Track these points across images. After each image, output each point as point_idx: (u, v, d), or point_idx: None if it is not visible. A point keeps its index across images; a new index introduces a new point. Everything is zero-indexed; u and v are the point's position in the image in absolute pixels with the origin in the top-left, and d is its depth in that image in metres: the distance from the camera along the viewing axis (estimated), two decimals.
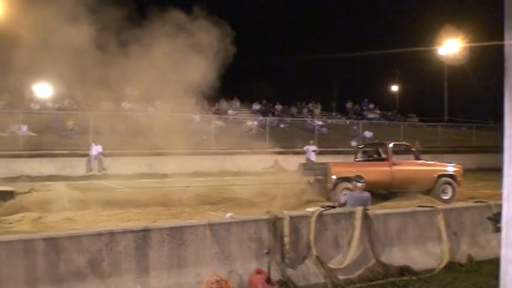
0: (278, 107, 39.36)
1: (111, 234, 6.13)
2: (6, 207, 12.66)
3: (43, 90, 31.65)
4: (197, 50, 17.48)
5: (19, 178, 21.80)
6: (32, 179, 21.87)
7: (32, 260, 5.65)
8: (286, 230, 7.12)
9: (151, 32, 16.99)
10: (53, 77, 26.19)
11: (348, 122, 38.62)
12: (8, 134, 26.37)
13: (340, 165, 16.75)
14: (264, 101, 39.04)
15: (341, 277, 7.29)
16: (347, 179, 14.34)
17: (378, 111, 43.41)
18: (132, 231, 6.25)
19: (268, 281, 6.53)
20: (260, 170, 23.27)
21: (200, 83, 19.19)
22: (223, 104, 35.65)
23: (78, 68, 17.64)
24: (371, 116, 41.41)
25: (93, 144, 24.59)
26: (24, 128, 26.75)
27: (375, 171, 15.89)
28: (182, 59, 17.61)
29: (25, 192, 13.97)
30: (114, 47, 17.24)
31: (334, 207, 9.03)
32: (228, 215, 7.13)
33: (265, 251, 6.84)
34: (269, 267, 6.66)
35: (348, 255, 7.49)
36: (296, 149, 27.79)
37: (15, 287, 5.51)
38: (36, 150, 24.46)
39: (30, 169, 23.16)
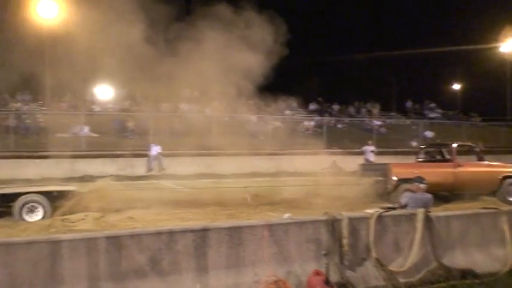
0: (335, 106, 38.97)
1: (171, 233, 6.21)
2: (69, 207, 12.98)
3: (104, 92, 32.47)
4: (253, 48, 17.52)
5: (81, 178, 22.40)
6: (94, 179, 22.43)
7: (94, 257, 5.78)
8: (345, 232, 7.04)
9: (206, 31, 17.14)
10: (114, 79, 26.85)
11: (407, 122, 37.86)
12: (71, 135, 27.10)
13: (401, 166, 16.45)
14: (320, 99, 38.74)
15: (402, 280, 7.17)
16: (408, 181, 14.04)
17: (439, 111, 42.36)
18: (191, 231, 6.31)
19: (327, 282, 6.48)
20: (317, 171, 23.07)
21: (256, 83, 19.25)
22: (280, 104, 35.57)
23: (138, 69, 17.99)
24: (432, 115, 40.44)
25: (152, 144, 24.98)
26: (86, 129, 27.44)
27: (438, 173, 15.53)
28: (238, 58, 17.69)
29: (88, 192, 14.27)
30: (173, 48, 17.48)
31: (394, 208, 8.86)
32: (286, 215, 7.13)
33: (323, 252, 6.78)
34: (327, 269, 6.60)
35: (408, 258, 7.35)
36: (354, 150, 27.46)
37: (78, 284, 5.64)
38: (97, 150, 25.08)
39: (93, 169, 23.70)
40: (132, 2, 16.77)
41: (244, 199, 15.42)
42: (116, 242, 5.91)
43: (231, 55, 17.79)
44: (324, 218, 7.11)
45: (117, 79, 26.01)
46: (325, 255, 6.73)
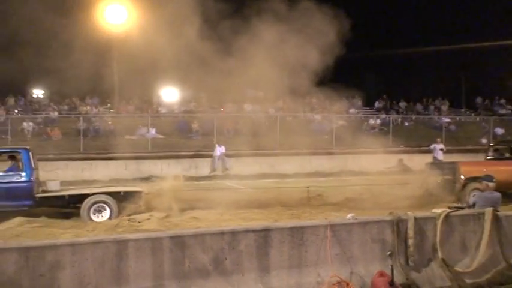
0: (402, 104, 38.13)
1: (234, 233, 6.22)
2: (135, 207, 13.26)
3: (170, 94, 33.10)
4: (315, 46, 17.42)
5: (148, 179, 22.88)
6: (160, 179, 22.86)
7: (159, 257, 5.85)
8: (411, 232, 6.89)
9: (267, 29, 17.15)
10: (179, 81, 27.31)
11: (477, 119, 36.69)
12: (138, 137, 27.75)
13: (470, 165, 15.95)
14: (385, 96, 38.02)
15: (468, 281, 6.96)
16: (477, 179, 13.58)
17: (510, 107, 40.80)
18: (253, 231, 6.31)
19: (392, 283, 6.35)
20: (383, 170, 22.67)
21: (319, 81, 19.12)
22: (345, 102, 35.19)
23: (202, 71, 18.20)
24: (502, 111, 39.00)
25: (216, 145, 25.22)
26: (153, 130, 28.01)
27: (507, 171, 14.92)
28: (301, 55, 17.62)
29: (154, 192, 14.54)
30: (236, 49, 17.60)
31: (462, 208, 8.59)
32: (350, 215, 7.00)
33: (388, 253, 6.66)
34: (392, 270, 6.47)
35: (476, 258, 7.13)
36: (422, 148, 26.82)
37: (143, 283, 5.73)
38: (163, 152, 25.55)
39: (159, 170, 24.17)
40: (196, 6, 17.02)
41: (304, 199, 15.30)
42: (179, 241, 5.98)
43: (294, 53, 17.75)
44: (389, 218, 6.98)
45: (183, 81, 26.48)
46: (390, 255, 6.61)
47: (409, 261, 6.84)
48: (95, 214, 12.86)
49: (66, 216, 13.37)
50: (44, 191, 13.80)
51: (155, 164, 24.54)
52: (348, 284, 6.26)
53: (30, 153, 13.34)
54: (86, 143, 26.16)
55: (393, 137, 29.03)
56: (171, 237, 6.02)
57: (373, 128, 31.66)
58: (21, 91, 33.98)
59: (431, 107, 38.03)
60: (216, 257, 6.08)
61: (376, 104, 37.26)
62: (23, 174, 12.91)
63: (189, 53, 17.58)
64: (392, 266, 6.51)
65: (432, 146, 25.93)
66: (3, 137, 25.83)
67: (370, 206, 13.94)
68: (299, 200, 14.98)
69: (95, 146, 25.91)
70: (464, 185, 14.79)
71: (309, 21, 17.50)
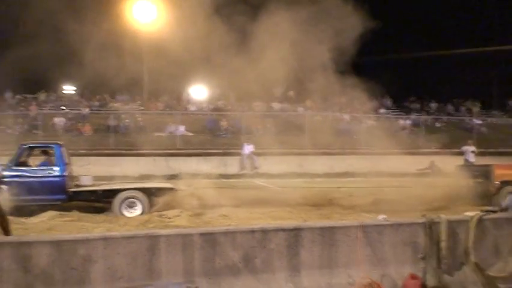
0: (433, 105, 37.69)
1: (264, 231, 6.22)
2: (166, 203, 13.35)
3: (199, 92, 33.28)
4: (346, 44, 17.33)
5: (177, 176, 23.02)
6: (189, 176, 22.98)
7: (190, 253, 5.89)
8: (443, 235, 6.80)
9: (296, 27, 17.11)
10: (208, 79, 27.43)
11: (510, 121, 36.07)
12: (167, 134, 27.94)
13: (504, 168, 15.70)
14: (413, 98, 37.64)
15: (501, 286, 6.86)
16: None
17: None
18: (283, 230, 6.30)
19: (423, 286, 6.31)
20: (414, 171, 22.43)
21: (349, 80, 19.00)
22: (375, 102, 34.92)
23: (231, 69, 18.24)
24: None
25: (245, 143, 25.22)
26: (182, 128, 28.17)
27: None
28: (330, 54, 17.55)
29: (183, 189, 14.62)
30: (265, 47, 17.59)
31: (494, 211, 8.46)
32: (381, 217, 6.95)
33: (420, 255, 6.60)
34: (424, 273, 6.43)
35: (509, 263, 7.03)
36: (453, 150, 26.45)
37: (174, 277, 5.77)
38: (192, 149, 25.67)
39: (188, 167, 24.28)
40: (226, 3, 17.07)
41: (334, 199, 15.21)
42: (210, 238, 6.01)
43: (323, 51, 17.69)
44: (421, 220, 6.91)
45: (211, 79, 26.59)
46: (422, 258, 6.56)
47: (441, 265, 6.75)
48: (126, 209, 13.01)
49: (98, 210, 13.54)
50: (77, 186, 14.02)
51: (184, 161, 24.65)
52: (379, 286, 6.22)
53: (63, 148, 13.54)
54: (116, 139, 26.44)
55: (424, 138, 28.70)
56: (202, 234, 6.06)
57: (403, 128, 31.36)
58: (52, 87, 34.54)
59: (463, 108, 37.55)
60: (246, 255, 6.09)
61: (407, 105, 36.92)
62: (56, 169, 13.11)
63: (217, 50, 17.66)
64: (424, 268, 6.46)
65: (463, 148, 25.57)
66: (35, 132, 26.24)
67: (401, 207, 13.81)
68: (328, 200, 14.89)
69: (125, 142, 26.15)
70: (499, 189, 14.57)
71: (338, 19, 17.40)
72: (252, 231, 6.22)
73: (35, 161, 14.14)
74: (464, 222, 7.12)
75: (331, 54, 17.92)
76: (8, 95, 31.95)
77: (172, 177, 22.18)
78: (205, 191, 14.76)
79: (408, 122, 32.34)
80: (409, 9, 38.34)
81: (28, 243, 5.55)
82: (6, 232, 5.82)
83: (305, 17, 17.36)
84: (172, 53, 17.73)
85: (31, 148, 13.85)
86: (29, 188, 12.55)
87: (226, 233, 6.14)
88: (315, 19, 17.53)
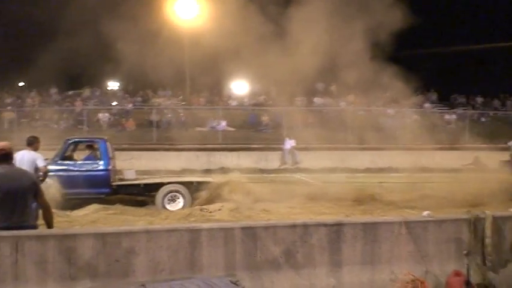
0: (479, 99, 36.90)
1: (305, 226, 6.19)
2: (207, 197, 13.46)
3: (240, 87, 33.40)
4: (388, 36, 17.13)
5: (218, 170, 23.17)
6: (230, 171, 23.11)
7: (231, 246, 5.90)
8: (488, 231, 6.63)
9: (336, 20, 16.98)
10: (250, 74, 27.49)
11: None
12: (208, 129, 28.19)
13: None
14: (456, 96, 36.90)
15: None
16: None
17: None
18: (325, 225, 6.26)
19: (468, 284, 6.18)
20: (459, 167, 22.02)
21: (392, 74, 18.77)
22: (419, 97, 34.41)
23: (272, 64, 18.23)
24: None
25: (286, 138, 25.21)
26: (223, 123, 28.35)
27: None
28: (373, 48, 17.37)
29: (224, 183, 14.69)
30: (306, 42, 17.52)
31: None
32: (425, 213, 6.83)
33: (464, 252, 6.46)
34: (468, 270, 6.30)
35: None
36: (498, 145, 25.86)
37: (215, 271, 5.79)
38: (233, 144, 25.78)
39: (229, 162, 24.44)
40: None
41: (376, 194, 15.04)
42: (251, 232, 6.00)
43: (366, 44, 17.52)
44: (466, 216, 6.76)
45: (253, 74, 26.63)
46: (466, 255, 6.43)
47: (486, 261, 6.60)
48: (169, 203, 13.16)
49: (140, 204, 13.75)
50: (120, 180, 14.26)
51: (225, 156, 24.81)
52: (422, 283, 6.12)
53: (107, 143, 13.78)
54: (158, 134, 26.78)
55: (469, 133, 28.15)
56: (243, 228, 6.06)
57: (448, 123, 30.83)
58: (96, 83, 35.20)
59: (509, 103, 36.64)
60: (287, 249, 6.06)
61: (452, 99, 36.25)
62: (101, 163, 13.37)
63: (258, 46, 17.66)
64: (468, 265, 6.33)
65: (509, 143, 24.97)
66: (80, 127, 26.80)
67: (445, 203, 13.61)
68: (371, 196, 14.75)
69: (167, 137, 26.46)
70: None
71: (382, 11, 17.20)
72: (293, 226, 6.20)
73: (79, 155, 14.45)
74: (510, 218, 6.94)
75: (375, 47, 17.76)
76: (54, 90, 32.69)
77: (213, 171, 22.35)
78: (245, 186, 14.82)
79: (453, 116, 31.75)
80: (456, 2, 37.59)
81: (72, 236, 5.63)
82: (49, 225, 5.93)
83: (348, 10, 17.22)
84: (214, 49, 17.84)
85: (76, 143, 14.14)
86: (74, 181, 12.80)
87: (267, 228, 6.13)
88: (358, 12, 17.39)
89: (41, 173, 8.80)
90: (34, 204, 5.94)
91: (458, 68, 38.32)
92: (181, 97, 33.16)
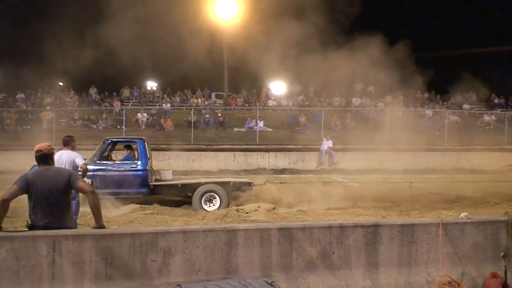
0: None
1: (342, 227, 6.19)
2: (245, 198, 13.51)
3: (278, 87, 33.44)
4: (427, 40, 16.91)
5: (256, 170, 23.25)
6: (267, 172, 23.18)
7: (267, 248, 5.93)
8: None
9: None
10: (288, 75, 27.51)
11: None
12: (246, 129, 28.30)
13: None
14: (494, 97, 36.12)
15: None
16: None
17: None
18: (362, 226, 6.25)
19: (505, 286, 6.11)
20: (498, 168, 21.61)
21: (430, 75, 18.56)
22: (458, 97, 33.90)
23: (311, 64, 18.23)
24: None
25: (324, 139, 25.13)
26: (261, 123, 28.40)
27: None
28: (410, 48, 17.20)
29: (261, 184, 14.74)
30: (343, 42, 17.47)
31: None
32: (463, 214, 6.76)
33: (502, 254, 6.39)
34: (505, 272, 6.22)
35: None
36: None
37: (251, 273, 5.82)
38: (271, 144, 25.82)
39: (266, 162, 24.52)
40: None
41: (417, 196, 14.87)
42: (287, 233, 6.02)
43: (403, 46, 17.38)
44: (503, 218, 6.68)
45: (291, 75, 26.65)
46: (504, 257, 6.36)
47: None
48: (206, 203, 13.23)
49: (177, 204, 13.87)
50: (157, 180, 14.40)
51: (263, 157, 24.87)
52: (459, 285, 6.07)
53: (146, 143, 13.91)
54: (196, 134, 26.97)
55: (508, 134, 27.59)
56: (279, 229, 6.07)
57: (487, 124, 30.27)
58: (135, 83, 35.67)
59: None
60: (323, 250, 6.07)
61: (492, 100, 35.57)
62: (139, 163, 13.47)
63: (297, 46, 17.68)
64: (505, 267, 6.26)
65: None
66: (118, 127, 27.17)
67: (484, 205, 13.40)
68: (408, 197, 14.61)
69: (205, 137, 26.67)
70: None
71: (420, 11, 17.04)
72: (330, 227, 6.19)
73: (118, 155, 14.65)
74: None
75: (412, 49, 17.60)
76: (93, 91, 33.24)
77: (250, 172, 22.45)
78: (283, 186, 14.81)
79: (493, 117, 31.17)
80: (496, 4, 36.88)
81: (110, 236, 5.66)
82: (96, 211, 5.83)
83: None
84: (253, 50, 17.92)
85: (115, 143, 14.26)
86: (113, 181, 12.94)
87: (303, 229, 6.14)
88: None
89: (80, 172, 8.84)
90: (74, 203, 5.97)
91: (497, 70, 37.52)
92: (219, 97, 33.45)
